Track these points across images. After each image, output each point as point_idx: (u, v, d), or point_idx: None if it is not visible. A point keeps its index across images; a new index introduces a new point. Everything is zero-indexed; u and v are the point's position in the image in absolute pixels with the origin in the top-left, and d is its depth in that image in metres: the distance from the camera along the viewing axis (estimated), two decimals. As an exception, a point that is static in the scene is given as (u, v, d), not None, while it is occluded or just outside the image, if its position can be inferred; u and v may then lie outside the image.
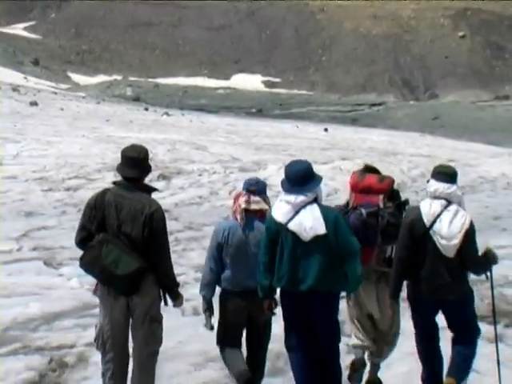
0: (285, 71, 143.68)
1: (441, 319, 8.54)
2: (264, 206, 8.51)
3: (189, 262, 15.21)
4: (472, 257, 8.04)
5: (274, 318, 8.58)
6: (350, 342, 9.26)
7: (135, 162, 7.81)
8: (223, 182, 29.80)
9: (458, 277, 8.13)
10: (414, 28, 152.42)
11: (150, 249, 7.71)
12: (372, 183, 8.75)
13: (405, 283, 8.53)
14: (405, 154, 47.06)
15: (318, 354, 7.87)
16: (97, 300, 7.93)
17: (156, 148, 38.28)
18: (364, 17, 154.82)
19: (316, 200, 7.77)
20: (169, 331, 8.65)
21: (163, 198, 21.79)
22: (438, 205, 8.05)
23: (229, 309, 8.60)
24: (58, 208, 21.80)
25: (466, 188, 29.48)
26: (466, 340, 8.41)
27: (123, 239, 7.62)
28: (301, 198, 7.66)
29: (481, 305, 9.36)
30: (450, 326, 8.49)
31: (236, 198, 8.71)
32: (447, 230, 7.92)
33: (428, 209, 8.07)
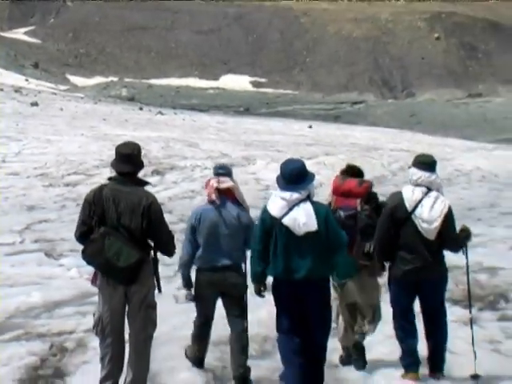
0: (271, 72, 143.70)
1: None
2: (232, 184, 8.82)
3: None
4: (451, 237, 8.28)
5: (260, 303, 8.59)
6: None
7: (129, 158, 7.83)
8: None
9: (437, 258, 8.35)
10: (392, 30, 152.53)
11: (153, 238, 7.81)
12: (351, 187, 8.98)
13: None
14: (385, 149, 47.12)
15: (308, 338, 7.94)
16: (95, 289, 7.93)
17: (150, 145, 38.24)
18: (345, 20, 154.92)
19: (309, 197, 7.89)
20: (163, 317, 8.65)
21: (157, 192, 21.76)
22: (419, 191, 8.26)
23: (202, 284, 8.78)
24: (58, 202, 21.78)
25: (443, 181, 29.44)
26: (440, 326, 8.55)
27: (123, 231, 7.65)
28: (295, 196, 7.77)
29: (456, 290, 9.41)
30: (427, 307, 8.56)
31: (207, 183, 8.97)
32: (428, 215, 8.14)
33: (410, 195, 8.27)
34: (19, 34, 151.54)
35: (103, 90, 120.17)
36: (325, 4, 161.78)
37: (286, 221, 7.75)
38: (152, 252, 7.93)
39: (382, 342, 9.87)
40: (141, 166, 7.98)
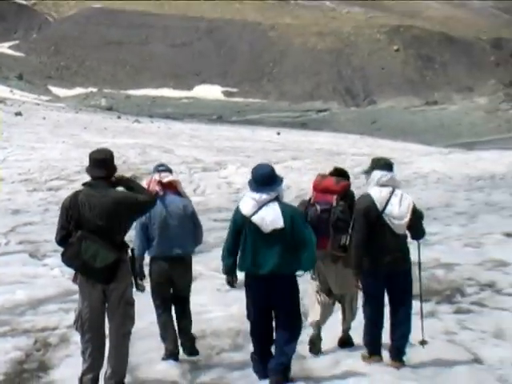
0: (241, 82, 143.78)
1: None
2: (174, 178, 9.19)
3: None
4: (418, 228, 8.60)
5: (231, 301, 8.64)
6: (308, 319, 9.45)
7: (103, 163, 7.87)
8: (188, 180, 29.79)
9: (405, 250, 8.59)
10: (354, 43, 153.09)
11: (142, 211, 8.08)
12: (329, 185, 9.14)
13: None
14: (347, 154, 47.26)
15: (282, 322, 8.11)
16: (77, 287, 7.91)
17: (128, 152, 38.17)
18: (310, 34, 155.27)
19: (277, 198, 8.07)
20: (141, 313, 8.66)
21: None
22: (386, 191, 8.44)
23: (156, 272, 9.01)
24: (41, 206, 21.71)
25: (402, 183, 29.50)
26: (405, 318, 8.62)
27: (100, 234, 7.64)
28: (264, 196, 7.96)
29: (415, 285, 9.40)
30: (395, 299, 8.66)
31: (150, 180, 9.12)
32: (398, 211, 8.37)
33: (379, 195, 8.41)
34: (4, 48, 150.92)
35: (83, 100, 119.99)
36: (290, 19, 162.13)
37: (254, 219, 7.92)
38: (130, 251, 7.95)
39: (356, 328, 9.90)
40: (114, 170, 8.00)
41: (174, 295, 9.20)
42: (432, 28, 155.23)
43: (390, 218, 8.38)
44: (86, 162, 8.04)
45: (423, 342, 8.68)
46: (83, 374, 7.84)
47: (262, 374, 8.14)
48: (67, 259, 7.75)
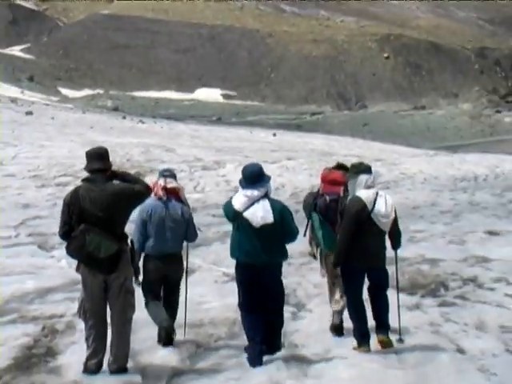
0: (240, 86, 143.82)
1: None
2: (177, 185, 9.31)
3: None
4: (398, 225, 8.83)
5: (227, 292, 8.69)
6: (332, 308, 9.67)
7: (100, 156, 7.98)
8: (189, 178, 29.77)
9: (384, 247, 8.80)
10: (347, 50, 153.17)
11: (139, 200, 8.14)
12: (337, 177, 9.46)
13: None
14: (339, 155, 47.16)
15: (267, 308, 8.45)
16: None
17: (132, 150, 38.14)
18: (306, 41, 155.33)
19: (267, 194, 8.39)
20: (142, 303, 8.67)
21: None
22: (372, 193, 8.61)
23: (150, 269, 9.08)
24: (49, 201, 21.67)
25: (391, 183, 29.60)
26: (384, 298, 8.83)
27: (101, 226, 7.66)
28: (255, 193, 8.30)
29: (401, 279, 9.46)
30: (376, 287, 8.85)
31: (155, 183, 9.17)
32: (385, 210, 8.57)
33: (366, 197, 8.56)
34: (16, 51, 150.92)
35: (90, 101, 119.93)
36: (287, 27, 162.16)
37: (246, 214, 8.25)
38: (130, 243, 7.98)
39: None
40: (110, 165, 8.07)
41: (165, 289, 9.32)
42: (420, 37, 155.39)
43: (378, 216, 8.55)
44: (86, 160, 8.03)
45: (400, 340, 8.80)
46: (87, 359, 7.85)
47: (254, 362, 8.26)
48: (72, 251, 7.82)
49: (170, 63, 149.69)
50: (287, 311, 10.27)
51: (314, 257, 9.93)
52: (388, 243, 9.00)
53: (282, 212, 8.34)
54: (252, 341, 8.41)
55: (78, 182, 8.29)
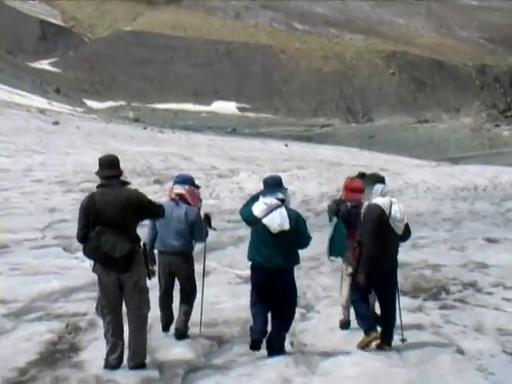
0: (254, 99, 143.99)
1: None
2: (181, 191, 9.37)
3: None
4: (409, 229, 8.94)
5: (242, 292, 8.68)
6: (339, 302, 9.98)
7: (112, 164, 8.03)
8: (205, 185, 29.79)
9: (398, 250, 8.91)
10: (355, 66, 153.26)
11: (148, 214, 8.16)
12: (357, 185, 9.68)
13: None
14: (347, 165, 47.22)
15: (281, 305, 8.51)
16: (101, 277, 7.95)
17: (152, 158, 38.22)
18: (316, 57, 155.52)
19: (284, 203, 8.47)
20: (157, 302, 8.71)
21: (159, 197, 21.72)
22: (388, 200, 8.78)
23: (159, 263, 9.27)
24: (74, 205, 21.70)
25: (395, 192, 29.54)
26: (392, 306, 8.83)
27: (115, 228, 7.71)
28: (274, 201, 8.39)
29: (405, 283, 9.46)
30: (387, 289, 8.88)
31: (170, 188, 9.71)
32: (400, 215, 8.73)
33: (383, 203, 8.70)
34: (44, 64, 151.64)
35: (113, 113, 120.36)
36: (298, 43, 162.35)
37: (265, 220, 8.34)
38: (142, 244, 8.02)
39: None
40: (120, 172, 8.13)
41: (179, 284, 9.44)
42: (424, 54, 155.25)
43: (394, 221, 8.70)
44: (99, 167, 8.07)
45: (403, 340, 8.82)
46: (107, 354, 7.87)
47: (257, 335, 8.50)
48: (88, 252, 7.85)
49: (189, 77, 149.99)
50: (297, 312, 10.27)
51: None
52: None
53: (297, 220, 8.44)
54: (255, 323, 8.55)
55: (100, 188, 8.29)
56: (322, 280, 12.87)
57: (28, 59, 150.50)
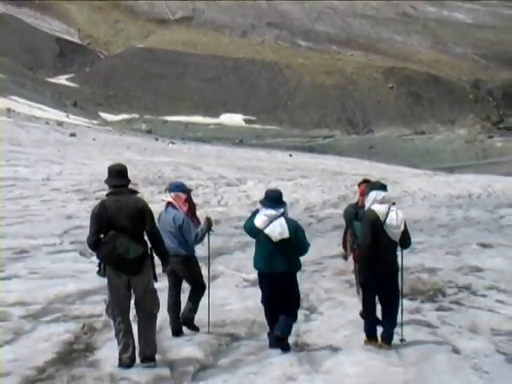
0: (260, 112, 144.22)
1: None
2: (169, 198, 9.40)
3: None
4: (408, 237, 8.92)
5: (247, 295, 8.68)
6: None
7: (121, 173, 8.07)
8: (214, 193, 29.83)
9: (396, 255, 8.88)
10: (355, 81, 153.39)
11: (147, 233, 7.98)
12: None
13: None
14: (348, 174, 47.22)
15: (285, 306, 8.79)
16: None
17: (164, 168, 38.27)
18: (318, 72, 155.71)
19: (283, 214, 8.71)
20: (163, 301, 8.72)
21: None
22: (385, 207, 8.81)
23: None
24: (90, 213, 21.76)
25: (394, 199, 29.49)
26: (396, 303, 8.90)
27: (127, 232, 7.74)
28: (273, 213, 8.67)
29: (403, 286, 9.42)
30: (387, 291, 8.88)
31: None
32: (396, 223, 8.72)
33: (379, 210, 8.75)
34: (62, 79, 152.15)
35: (127, 125, 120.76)
36: (302, 59, 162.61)
37: (266, 231, 8.63)
38: (149, 249, 8.04)
39: (344, 326, 9.91)
40: (128, 180, 8.16)
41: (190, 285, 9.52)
42: (421, 70, 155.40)
43: (389, 228, 8.70)
44: (108, 176, 8.08)
45: (402, 340, 8.85)
46: (120, 353, 7.89)
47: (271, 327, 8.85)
48: (103, 255, 7.87)
49: (198, 91, 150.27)
50: (301, 314, 10.29)
51: (345, 258, 10.41)
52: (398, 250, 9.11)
53: (296, 229, 8.67)
54: (271, 328, 8.81)
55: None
56: (325, 283, 12.86)
57: (47, 75, 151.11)
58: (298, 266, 8.89)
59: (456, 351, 8.53)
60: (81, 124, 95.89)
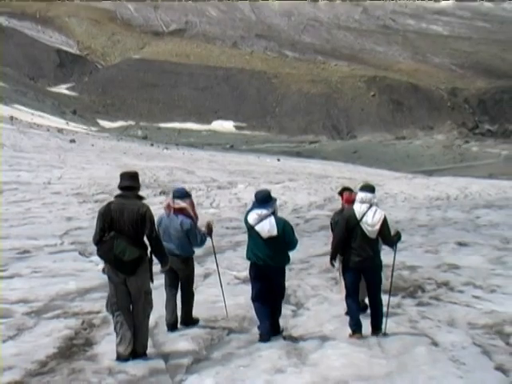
0: (250, 118, 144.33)
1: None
2: (182, 205, 9.45)
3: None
4: (387, 236, 8.99)
5: (240, 292, 8.69)
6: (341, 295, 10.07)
7: (131, 176, 8.13)
8: (206, 196, 29.80)
9: (375, 252, 9.00)
10: (339, 89, 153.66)
11: (147, 237, 7.97)
12: (354, 198, 9.62)
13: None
14: (333, 177, 47.29)
15: (271, 299, 9.03)
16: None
17: (159, 172, 38.24)
18: (305, 81, 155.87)
19: (274, 213, 8.92)
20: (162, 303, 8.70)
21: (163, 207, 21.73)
22: (364, 206, 8.96)
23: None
24: (89, 214, 21.72)
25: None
26: (377, 297, 9.10)
27: (127, 235, 7.75)
28: (264, 212, 8.86)
29: (385, 283, 9.44)
30: (369, 286, 9.13)
31: (167, 201, 9.64)
32: (371, 221, 8.85)
33: (359, 209, 8.93)
34: (62, 89, 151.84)
35: (124, 131, 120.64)
36: (289, 69, 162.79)
37: (257, 228, 8.84)
38: (149, 253, 8.05)
39: (329, 320, 9.92)
40: (139, 185, 8.18)
41: (180, 283, 9.59)
42: (401, 79, 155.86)
43: (365, 225, 8.85)
44: (119, 179, 8.12)
45: (384, 334, 8.98)
46: (117, 345, 7.92)
47: (264, 337, 8.87)
48: (102, 253, 7.93)
49: (191, 99, 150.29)
50: (288, 309, 10.30)
51: (333, 265, 9.76)
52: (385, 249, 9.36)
53: (284, 227, 8.84)
54: (261, 321, 8.93)
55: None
56: (311, 280, 12.86)
57: (48, 84, 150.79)
58: (287, 261, 9.04)
59: (435, 344, 8.56)
60: (80, 131, 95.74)
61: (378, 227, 8.86)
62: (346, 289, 9.18)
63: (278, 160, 70.57)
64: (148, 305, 8.07)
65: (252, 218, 8.89)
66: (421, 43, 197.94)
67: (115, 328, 7.96)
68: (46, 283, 11.70)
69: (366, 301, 9.76)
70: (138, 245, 7.84)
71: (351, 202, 9.72)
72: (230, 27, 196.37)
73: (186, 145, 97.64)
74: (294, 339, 9.02)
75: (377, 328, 9.03)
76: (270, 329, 8.92)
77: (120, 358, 7.87)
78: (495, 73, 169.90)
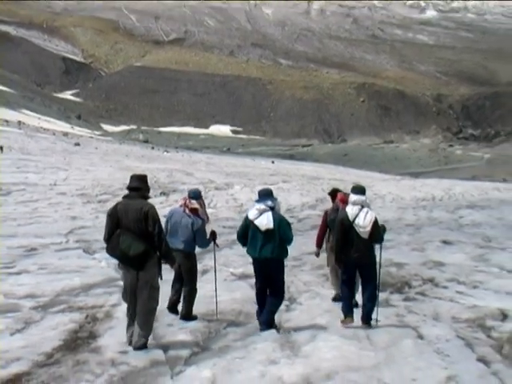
0: (245, 123, 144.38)
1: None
2: (196, 206, 9.67)
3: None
4: (377, 236, 9.10)
5: (236, 287, 8.67)
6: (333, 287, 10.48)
7: (139, 178, 8.17)
8: (204, 196, 29.69)
9: (369, 249, 9.13)
10: (331, 95, 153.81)
11: (152, 235, 7.93)
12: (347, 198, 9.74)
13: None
14: (324, 179, 47.30)
15: (271, 290, 9.14)
16: (118, 275, 7.95)
17: (159, 174, 38.19)
18: (298, 88, 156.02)
19: (273, 209, 9.03)
20: (166, 297, 8.67)
21: (164, 207, 21.70)
22: (356, 208, 9.08)
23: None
24: (93, 214, 21.69)
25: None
26: (371, 290, 9.23)
27: (133, 231, 7.78)
28: (262, 207, 9.00)
29: (379, 279, 9.47)
30: (364, 280, 9.29)
31: (184, 199, 9.79)
32: (363, 222, 8.98)
33: (351, 211, 9.06)
34: (67, 94, 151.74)
35: (126, 135, 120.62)
36: (283, 76, 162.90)
37: (256, 222, 8.96)
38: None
39: (321, 315, 9.91)
40: (146, 187, 8.20)
41: (183, 277, 9.72)
42: (389, 85, 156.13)
43: (357, 226, 8.97)
44: (127, 181, 8.14)
45: (377, 320, 9.16)
46: (127, 326, 8.14)
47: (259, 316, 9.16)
48: (110, 250, 7.97)
49: (190, 105, 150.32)
50: (282, 304, 10.29)
51: (317, 255, 10.55)
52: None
53: (279, 222, 8.94)
54: (259, 308, 9.17)
55: (116, 199, 8.34)
56: (304, 276, 12.87)
57: (54, 90, 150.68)
58: (285, 254, 9.07)
59: (421, 337, 8.56)
60: (84, 134, 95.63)
61: (369, 229, 8.96)
62: (342, 279, 9.38)
63: (273, 162, 70.59)
64: (153, 300, 8.04)
65: (252, 213, 9.03)
66: (407, 52, 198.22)
67: (127, 312, 8.16)
68: (51, 279, 11.68)
69: (357, 298, 9.79)
70: (143, 240, 7.87)
71: (346, 201, 9.77)
72: (227, 36, 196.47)
73: (185, 148, 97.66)
74: (288, 332, 9.02)
75: (367, 322, 9.09)
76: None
77: (127, 340, 8.10)
78: (478, 80, 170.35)
